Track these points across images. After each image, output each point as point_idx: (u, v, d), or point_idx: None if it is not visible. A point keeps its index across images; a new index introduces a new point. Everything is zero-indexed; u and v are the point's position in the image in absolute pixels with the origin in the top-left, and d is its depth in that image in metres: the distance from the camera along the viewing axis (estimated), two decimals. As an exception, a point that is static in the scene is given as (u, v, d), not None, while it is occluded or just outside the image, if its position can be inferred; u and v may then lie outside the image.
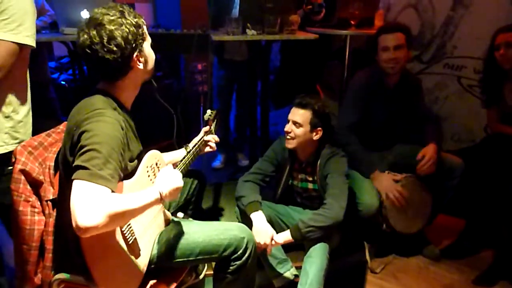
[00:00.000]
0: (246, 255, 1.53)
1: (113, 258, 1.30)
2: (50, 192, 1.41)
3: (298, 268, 1.90)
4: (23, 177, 1.37)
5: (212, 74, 2.95)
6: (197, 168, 1.98)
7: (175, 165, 1.70)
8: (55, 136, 1.52)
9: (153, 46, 1.43)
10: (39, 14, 2.74)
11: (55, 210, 1.40)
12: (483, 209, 2.35)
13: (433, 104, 3.14)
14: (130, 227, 1.35)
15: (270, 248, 1.82)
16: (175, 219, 1.66)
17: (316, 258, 1.83)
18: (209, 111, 1.91)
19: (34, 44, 1.47)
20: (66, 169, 1.29)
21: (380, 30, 2.32)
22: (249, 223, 1.82)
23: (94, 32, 1.25)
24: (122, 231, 1.31)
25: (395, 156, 2.42)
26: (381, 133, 2.41)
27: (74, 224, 1.07)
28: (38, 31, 2.48)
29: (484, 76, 2.43)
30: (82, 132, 1.21)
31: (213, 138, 1.88)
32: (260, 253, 1.80)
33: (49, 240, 1.39)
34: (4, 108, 1.46)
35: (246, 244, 1.53)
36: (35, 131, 1.57)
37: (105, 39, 1.25)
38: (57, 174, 1.42)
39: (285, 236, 1.86)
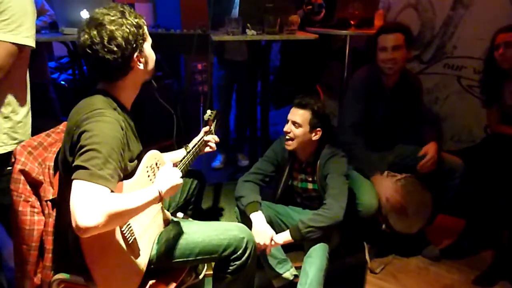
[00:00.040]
0: (246, 255, 1.53)
1: (112, 258, 1.30)
2: (49, 192, 1.41)
3: (298, 268, 1.90)
4: (22, 177, 1.37)
5: (212, 74, 2.95)
6: (197, 168, 1.98)
7: (175, 165, 1.70)
8: (55, 136, 1.52)
9: (153, 46, 1.43)
10: (39, 14, 2.74)
11: (54, 210, 1.40)
12: (483, 209, 2.35)
13: (433, 104, 3.14)
14: (130, 227, 1.35)
15: (270, 249, 1.82)
16: (175, 219, 1.66)
17: (316, 259, 1.83)
18: (209, 111, 1.91)
19: (33, 45, 1.47)
20: (66, 169, 1.29)
21: (380, 30, 2.33)
22: (249, 223, 1.82)
23: (95, 32, 1.26)
24: (121, 231, 1.31)
25: (395, 156, 2.42)
26: (381, 133, 2.41)
27: (73, 224, 1.07)
28: (38, 31, 2.48)
29: (484, 76, 2.43)
30: (82, 132, 1.21)
31: (213, 138, 1.88)
32: (259, 253, 1.80)
33: (49, 240, 1.39)
34: (3, 109, 1.46)
35: (246, 244, 1.53)
36: (35, 131, 1.57)
37: (106, 39, 1.25)
38: (57, 174, 1.42)
39: (285, 237, 1.86)
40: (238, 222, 1.98)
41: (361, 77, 2.40)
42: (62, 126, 1.56)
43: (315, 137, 1.97)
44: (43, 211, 1.41)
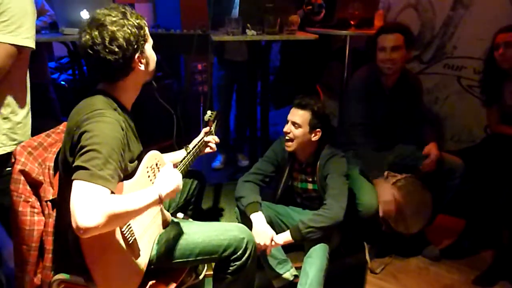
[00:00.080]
0: (246, 255, 1.53)
1: (113, 259, 1.30)
2: (49, 192, 1.41)
3: (298, 268, 1.90)
4: (22, 178, 1.37)
5: (212, 74, 2.95)
6: (197, 169, 1.98)
7: (175, 166, 1.70)
8: (55, 136, 1.52)
9: (153, 47, 1.43)
10: (39, 14, 2.74)
11: (54, 210, 1.40)
12: (483, 209, 2.35)
13: (433, 104, 3.14)
14: (130, 228, 1.35)
15: (270, 249, 1.82)
16: (175, 219, 1.66)
17: (316, 259, 1.83)
18: (209, 112, 1.91)
19: (33, 46, 1.47)
20: (66, 170, 1.29)
21: (380, 30, 2.33)
22: (249, 224, 1.82)
23: (96, 33, 1.26)
24: (122, 232, 1.31)
25: (395, 156, 2.42)
26: (381, 133, 2.41)
27: (73, 225, 1.07)
28: (38, 31, 2.48)
29: (484, 76, 2.43)
30: (83, 133, 1.21)
31: (213, 139, 1.87)
32: (259, 254, 1.80)
33: (49, 240, 1.39)
34: (2, 110, 1.46)
35: (246, 245, 1.53)
36: (35, 131, 1.56)
37: (107, 40, 1.25)
38: (57, 175, 1.42)
39: (285, 237, 1.86)
40: (238, 222, 1.98)
41: (360, 77, 2.40)
42: (62, 127, 1.56)
43: (314, 137, 1.97)
44: (43, 212, 1.41)
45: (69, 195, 1.11)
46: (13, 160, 1.38)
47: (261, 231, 1.81)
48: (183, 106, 2.64)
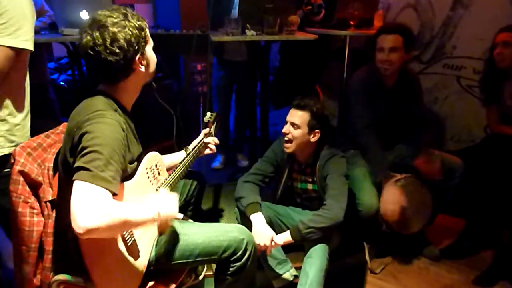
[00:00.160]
0: (246, 256, 1.53)
1: (112, 260, 1.30)
2: (49, 193, 1.41)
3: (298, 269, 1.90)
4: (22, 178, 1.37)
5: (212, 74, 2.95)
6: (197, 169, 1.98)
7: (175, 167, 1.70)
8: (54, 137, 1.52)
9: (153, 47, 1.43)
10: (39, 15, 2.74)
11: (54, 211, 1.40)
12: (483, 209, 2.35)
13: (432, 104, 3.14)
14: (130, 228, 1.35)
15: (270, 249, 1.82)
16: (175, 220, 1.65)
17: (316, 259, 1.83)
18: (209, 113, 1.91)
19: (32, 48, 1.47)
20: (66, 170, 1.28)
21: (380, 30, 2.32)
22: (248, 224, 1.82)
23: (97, 34, 1.26)
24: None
25: (395, 156, 2.42)
26: (381, 133, 2.41)
27: (73, 225, 1.07)
28: (37, 32, 2.49)
29: (484, 75, 2.44)
30: (83, 134, 1.21)
31: (213, 140, 1.87)
32: (259, 254, 1.80)
33: (48, 241, 1.39)
34: (0, 112, 1.46)
35: (246, 246, 1.53)
36: (34, 132, 1.56)
37: (108, 41, 1.25)
38: (56, 175, 1.42)
39: (285, 237, 1.86)
40: (238, 223, 1.98)
41: (360, 77, 2.40)
42: (61, 127, 1.55)
43: (313, 138, 1.97)
44: (42, 212, 1.40)
45: (69, 196, 1.11)
46: (12, 161, 1.38)
47: (261, 232, 1.81)
48: (183, 106, 2.64)
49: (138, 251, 1.39)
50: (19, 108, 1.53)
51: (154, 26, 3.37)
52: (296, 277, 1.89)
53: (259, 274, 1.78)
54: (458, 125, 3.08)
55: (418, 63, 3.16)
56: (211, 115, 1.91)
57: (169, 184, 1.60)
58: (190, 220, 1.78)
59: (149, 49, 1.39)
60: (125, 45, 1.27)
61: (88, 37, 1.27)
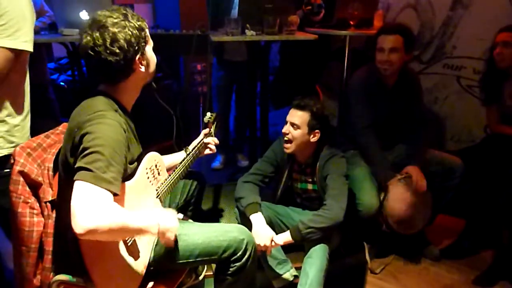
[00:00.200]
0: (246, 256, 1.52)
1: (112, 260, 1.30)
2: (49, 193, 1.41)
3: (298, 269, 1.90)
4: (21, 179, 1.37)
5: (212, 74, 2.95)
6: (197, 169, 1.98)
7: (175, 167, 1.70)
8: (54, 137, 1.52)
9: (153, 48, 1.43)
10: (38, 15, 2.74)
11: (54, 211, 1.40)
12: (483, 209, 2.35)
13: (432, 104, 3.14)
14: (130, 229, 1.34)
15: (270, 250, 1.82)
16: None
17: (316, 259, 1.83)
18: (208, 114, 1.91)
19: (31, 49, 1.47)
20: (66, 171, 1.28)
21: (380, 30, 2.32)
22: (248, 224, 1.82)
23: (97, 34, 1.25)
24: (121, 233, 1.31)
25: (395, 157, 2.42)
26: (381, 133, 2.41)
27: (73, 225, 1.07)
28: (37, 32, 2.48)
29: (484, 75, 2.44)
30: (84, 134, 1.21)
31: (213, 141, 1.87)
32: (259, 254, 1.80)
33: (48, 241, 1.39)
34: None
35: (246, 246, 1.52)
36: (34, 132, 1.56)
37: (108, 41, 1.25)
38: (56, 176, 1.42)
39: (285, 237, 1.86)
40: (238, 223, 1.98)
41: (360, 77, 2.40)
42: (61, 127, 1.55)
43: (313, 138, 1.97)
44: (42, 213, 1.40)
45: (69, 196, 1.11)
46: (12, 161, 1.38)
47: (261, 232, 1.81)
48: (183, 106, 2.64)
49: (138, 251, 1.39)
50: (18, 109, 1.53)
51: (154, 26, 3.37)
52: (296, 277, 1.89)
53: (259, 274, 1.78)
54: (458, 125, 3.08)
55: (418, 63, 3.16)
56: (211, 115, 1.91)
57: (169, 184, 1.60)
58: (190, 220, 1.78)
59: (149, 49, 1.39)
60: (125, 45, 1.27)
61: (88, 38, 1.26)
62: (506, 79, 2.32)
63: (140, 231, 1.26)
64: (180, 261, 1.50)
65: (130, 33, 1.28)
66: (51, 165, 1.43)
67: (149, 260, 1.46)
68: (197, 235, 1.53)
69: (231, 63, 3.19)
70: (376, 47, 2.27)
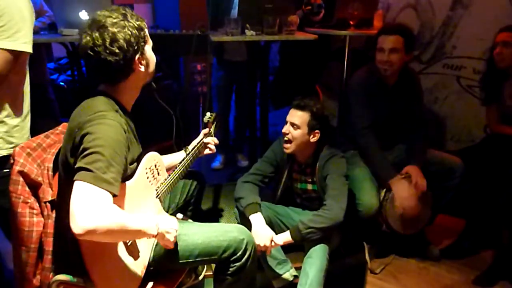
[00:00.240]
0: (246, 256, 1.52)
1: (112, 260, 1.30)
2: (48, 193, 1.40)
3: (298, 269, 1.90)
4: (21, 179, 1.37)
5: (211, 74, 2.95)
6: (197, 169, 1.97)
7: (174, 167, 1.70)
8: (54, 137, 1.52)
9: (152, 48, 1.43)
10: (38, 15, 2.74)
11: (54, 211, 1.40)
12: (483, 209, 2.35)
13: (432, 104, 3.14)
14: (129, 229, 1.34)
15: (270, 250, 1.82)
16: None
17: (316, 259, 1.83)
18: (208, 114, 1.91)
19: (31, 51, 1.47)
20: (66, 171, 1.28)
21: (381, 30, 2.32)
22: (248, 224, 1.82)
23: (97, 34, 1.25)
24: (121, 233, 1.31)
25: (395, 156, 2.42)
26: (381, 133, 2.41)
27: (72, 225, 1.07)
28: (36, 32, 2.48)
29: (484, 75, 2.44)
30: (85, 135, 1.21)
31: (212, 141, 1.87)
32: (259, 254, 1.80)
33: (48, 241, 1.39)
34: None
35: (246, 246, 1.52)
36: (34, 132, 1.56)
37: (108, 41, 1.25)
38: (56, 176, 1.42)
39: (285, 237, 1.86)
40: (238, 223, 1.98)
41: (360, 77, 2.40)
42: (61, 127, 1.55)
43: (313, 139, 1.97)
44: (42, 213, 1.40)
45: (69, 196, 1.11)
46: (12, 161, 1.38)
47: (261, 232, 1.81)
48: (183, 106, 2.64)
49: (138, 251, 1.39)
50: (17, 110, 1.53)
51: (154, 26, 3.37)
52: (296, 277, 1.89)
53: (259, 274, 1.78)
54: (458, 125, 3.08)
55: (418, 63, 3.16)
56: (211, 115, 1.91)
57: (168, 184, 1.60)
58: (190, 220, 1.78)
59: (148, 49, 1.39)
60: (125, 45, 1.27)
61: (88, 38, 1.26)
62: (506, 79, 2.33)
63: (139, 233, 1.26)
64: (180, 261, 1.50)
65: (130, 33, 1.28)
66: (51, 165, 1.43)
67: (149, 260, 1.46)
68: (197, 235, 1.53)
69: (231, 63, 3.19)
70: (376, 47, 2.27)
